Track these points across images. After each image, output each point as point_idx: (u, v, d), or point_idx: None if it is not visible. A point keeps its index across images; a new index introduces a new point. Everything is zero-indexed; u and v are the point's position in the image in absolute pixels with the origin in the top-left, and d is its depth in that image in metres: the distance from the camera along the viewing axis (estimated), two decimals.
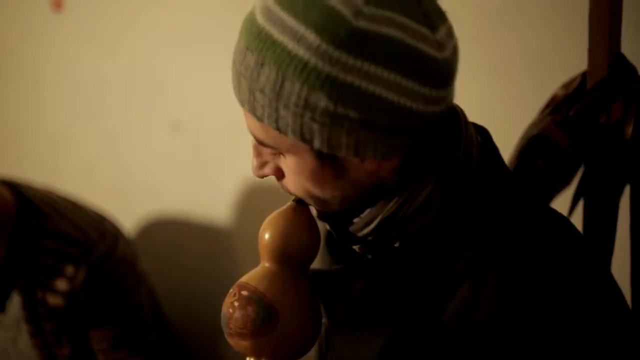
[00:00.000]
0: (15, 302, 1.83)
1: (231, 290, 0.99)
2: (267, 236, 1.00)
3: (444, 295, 0.95)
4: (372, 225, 0.96)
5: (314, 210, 1.02)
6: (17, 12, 2.47)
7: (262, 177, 0.99)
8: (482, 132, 1.02)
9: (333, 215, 1.00)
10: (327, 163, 0.92)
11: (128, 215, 2.30)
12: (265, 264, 1.00)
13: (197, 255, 2.28)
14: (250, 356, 1.00)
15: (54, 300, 1.78)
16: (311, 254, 1.01)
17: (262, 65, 0.87)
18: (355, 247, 1.01)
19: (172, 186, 2.27)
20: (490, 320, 0.91)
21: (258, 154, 0.98)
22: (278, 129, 0.89)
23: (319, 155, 0.91)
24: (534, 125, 1.24)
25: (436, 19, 0.89)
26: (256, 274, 0.99)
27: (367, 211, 0.98)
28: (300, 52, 0.85)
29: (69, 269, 1.75)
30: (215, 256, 2.25)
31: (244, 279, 0.99)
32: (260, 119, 0.90)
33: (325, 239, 1.10)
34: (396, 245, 0.97)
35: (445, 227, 0.96)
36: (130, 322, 1.85)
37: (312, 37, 0.85)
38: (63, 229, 1.78)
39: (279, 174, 0.97)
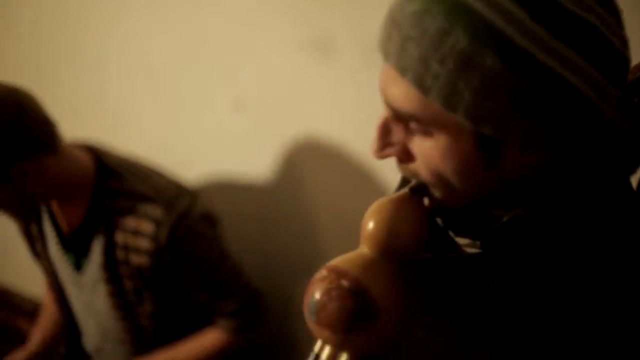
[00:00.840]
0: (93, 263, 1.86)
1: (325, 273, 0.90)
2: (374, 223, 0.90)
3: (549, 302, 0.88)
4: (503, 220, 0.89)
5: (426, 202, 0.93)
6: None
7: (383, 158, 0.90)
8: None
9: (450, 211, 0.93)
10: (485, 150, 0.84)
11: None
12: (366, 251, 0.90)
13: (257, 239, 2.31)
14: (332, 346, 0.91)
15: (138, 259, 1.80)
16: (418, 249, 0.91)
17: (448, 32, 0.78)
18: (462, 241, 0.95)
19: (233, 164, 2.29)
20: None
21: (385, 133, 0.89)
22: (446, 105, 0.80)
23: (480, 139, 0.83)
24: None
25: (620, 15, 0.84)
26: (355, 260, 0.90)
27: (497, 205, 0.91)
28: (499, 22, 0.77)
29: (149, 228, 1.77)
30: (279, 237, 2.27)
31: (342, 264, 0.90)
32: (425, 91, 0.81)
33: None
34: (513, 243, 0.90)
35: (563, 241, 0.89)
36: (221, 272, 1.88)
37: (513, 8, 0.77)
38: (139, 188, 1.81)
39: (405, 157, 0.89)
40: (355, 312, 0.86)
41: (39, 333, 2.16)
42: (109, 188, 1.81)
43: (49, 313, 2.19)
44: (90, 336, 2.03)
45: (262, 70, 2.10)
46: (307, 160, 2.12)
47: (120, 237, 1.81)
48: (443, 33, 0.78)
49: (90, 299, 1.93)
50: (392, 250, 0.90)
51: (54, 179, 1.72)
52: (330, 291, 0.87)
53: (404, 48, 0.81)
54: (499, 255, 0.92)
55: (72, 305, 2.03)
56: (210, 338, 1.92)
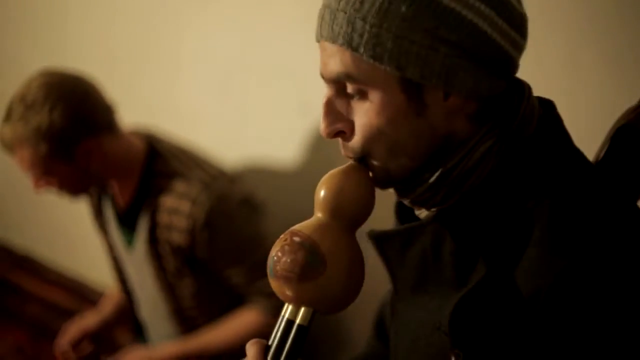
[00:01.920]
0: (140, 241, 1.97)
1: (282, 236, 1.02)
2: (324, 190, 1.02)
3: (498, 252, 0.96)
4: (432, 180, 0.99)
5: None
6: None
7: (333, 134, 1.01)
8: (547, 104, 1.04)
9: (393, 180, 1.02)
10: (413, 97, 0.95)
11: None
12: (318, 215, 1.02)
13: None
14: (290, 301, 1.02)
15: (177, 237, 1.89)
16: (364, 214, 1.02)
17: None
18: (415, 209, 1.05)
19: (298, 166, 2.31)
20: (532, 273, 0.93)
21: (330, 110, 1.00)
22: (374, 56, 0.93)
23: (407, 87, 0.95)
24: (623, 117, 1.26)
25: None
26: (309, 223, 1.02)
27: (429, 170, 1.00)
28: None
29: (187, 207, 1.86)
30: None
31: (297, 227, 1.02)
32: (356, 49, 0.94)
33: (395, 208, 1.13)
34: (452, 202, 1.00)
35: (498, 184, 0.98)
36: (255, 255, 1.91)
37: None
38: (182, 171, 1.90)
39: (350, 129, 1.00)
40: (305, 262, 0.98)
41: (110, 301, 2.26)
42: (155, 169, 1.92)
43: (113, 299, 2.30)
44: (143, 310, 2.13)
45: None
46: None
47: (162, 216, 1.90)
48: None
49: (141, 275, 2.04)
50: (340, 213, 1.01)
51: (111, 158, 1.88)
52: (284, 247, 1.00)
53: (334, 20, 0.95)
54: (443, 216, 1.01)
55: (127, 279, 2.13)
56: (248, 319, 1.95)
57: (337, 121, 1.00)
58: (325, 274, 0.98)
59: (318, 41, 1.01)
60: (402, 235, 1.06)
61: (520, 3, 0.99)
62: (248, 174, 2.39)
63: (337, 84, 0.99)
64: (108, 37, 2.83)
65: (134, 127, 2.01)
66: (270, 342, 1.02)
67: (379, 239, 1.08)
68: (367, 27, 0.93)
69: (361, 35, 0.93)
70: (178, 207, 1.87)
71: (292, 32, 2.22)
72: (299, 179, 2.32)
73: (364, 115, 0.98)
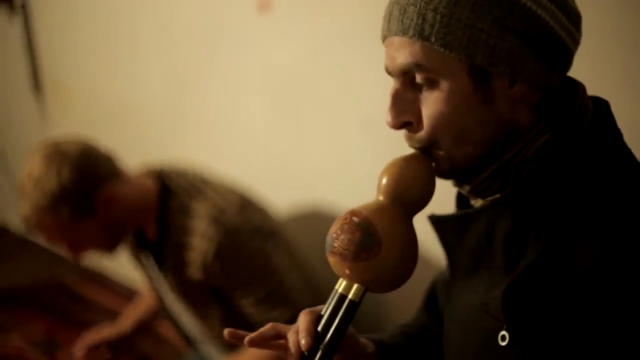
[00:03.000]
0: (166, 273, 2.01)
1: (343, 215, 1.05)
2: (387, 175, 1.06)
3: (547, 238, 1.00)
4: (491, 169, 1.03)
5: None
6: (224, 12, 2.63)
7: (399, 125, 1.05)
8: (602, 103, 1.08)
9: (456, 171, 1.06)
10: (480, 85, 1.00)
11: (313, 208, 2.40)
12: (379, 199, 1.06)
13: None
14: (344, 277, 1.05)
15: (194, 272, 1.92)
16: (423, 201, 1.06)
17: None
18: (471, 198, 1.09)
19: (358, 181, 2.27)
20: (578, 258, 0.96)
21: (397, 101, 1.04)
22: (444, 45, 0.98)
23: (475, 75, 0.99)
24: None
25: None
26: (369, 205, 1.05)
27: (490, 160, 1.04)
28: None
29: (200, 243, 1.89)
30: None
31: (358, 207, 1.05)
32: (427, 39, 0.99)
33: (456, 197, 1.18)
34: (508, 190, 1.03)
35: (552, 175, 1.01)
36: (267, 286, 1.93)
37: None
38: (194, 206, 1.93)
39: (417, 119, 1.04)
40: (360, 242, 1.02)
41: (132, 316, 2.31)
42: (169, 207, 1.96)
43: (144, 301, 2.35)
44: (187, 329, 2.17)
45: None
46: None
47: (180, 253, 1.94)
48: None
49: (177, 303, 2.08)
50: (400, 198, 1.05)
51: (128, 202, 1.93)
52: (343, 225, 1.04)
53: (404, 14, 1.01)
54: (498, 203, 1.05)
55: (168, 304, 2.17)
56: (258, 353, 1.92)
57: (404, 112, 1.04)
58: (380, 256, 1.02)
59: (384, 39, 1.06)
60: (459, 220, 1.10)
61: (574, 1, 1.04)
62: (306, 190, 2.42)
63: (405, 76, 1.03)
64: (170, 55, 2.88)
65: (144, 166, 2.07)
66: (322, 312, 1.07)
67: (439, 223, 1.13)
68: (438, 17, 0.97)
69: (432, 26, 0.98)
70: (191, 243, 1.91)
71: (351, 47, 2.23)
72: (360, 195, 2.31)
73: (433, 104, 1.02)
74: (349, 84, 2.28)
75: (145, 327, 2.34)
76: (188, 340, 2.23)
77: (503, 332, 1.00)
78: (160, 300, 2.19)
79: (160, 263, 2.03)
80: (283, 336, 1.11)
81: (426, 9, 0.99)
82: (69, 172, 1.85)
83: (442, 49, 0.99)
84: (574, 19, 1.03)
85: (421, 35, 0.99)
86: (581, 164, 1.01)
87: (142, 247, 2.08)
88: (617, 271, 0.93)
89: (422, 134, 1.04)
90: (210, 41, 2.72)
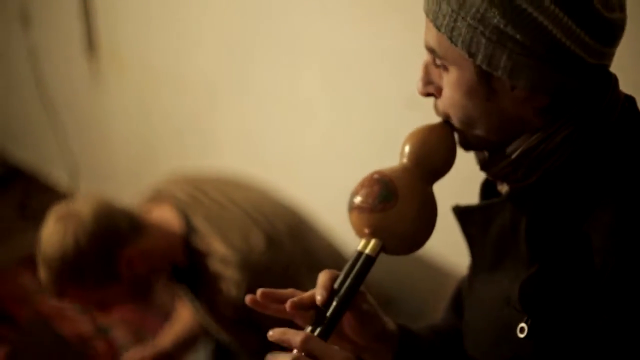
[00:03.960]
0: (204, 306, 1.98)
1: (366, 175, 1.11)
2: (411, 139, 1.13)
3: (570, 231, 1.01)
4: (513, 157, 1.05)
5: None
6: None
7: (425, 94, 1.11)
8: (630, 99, 1.07)
9: (473, 145, 1.11)
10: (483, 81, 1.02)
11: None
12: (403, 161, 1.12)
13: None
14: (363, 233, 1.09)
15: (228, 311, 1.89)
16: (443, 167, 1.12)
17: None
18: (497, 183, 1.12)
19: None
20: (598, 253, 0.97)
21: (426, 73, 1.10)
22: (451, 38, 1.01)
23: (478, 71, 1.01)
24: None
25: None
26: (392, 166, 1.12)
27: (510, 145, 1.06)
28: None
29: (228, 288, 1.86)
30: None
31: (381, 168, 1.12)
32: (438, 28, 1.02)
33: (481, 187, 1.19)
34: (531, 180, 1.05)
35: (576, 167, 1.02)
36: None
37: None
38: (218, 249, 1.88)
39: (439, 93, 1.09)
40: (378, 194, 1.07)
41: (171, 333, 2.26)
42: (195, 249, 1.91)
43: (184, 319, 2.30)
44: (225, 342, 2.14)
45: None
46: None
47: (210, 294, 1.91)
48: None
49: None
50: (421, 161, 1.11)
51: (153, 255, 1.89)
52: (364, 182, 1.10)
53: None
54: (523, 192, 1.07)
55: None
56: None
57: (429, 84, 1.10)
58: (396, 208, 1.06)
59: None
60: (483, 211, 1.13)
61: (610, 8, 0.99)
62: (354, 170, 2.42)
63: (430, 53, 1.08)
64: (222, 33, 2.90)
65: (170, 195, 2.01)
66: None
67: (463, 214, 1.15)
68: (449, 10, 1.00)
69: (444, 16, 1.01)
70: (221, 287, 1.88)
71: (397, 23, 2.23)
72: None
73: (445, 85, 1.07)
74: (395, 63, 2.28)
75: (185, 344, 2.29)
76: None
77: (522, 324, 1.02)
78: (201, 322, 2.18)
79: (196, 292, 2.00)
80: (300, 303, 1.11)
81: (442, 0, 1.01)
82: (88, 239, 1.79)
83: (448, 41, 1.02)
84: (597, 29, 0.98)
85: (435, 22, 1.02)
86: (606, 156, 1.02)
87: (178, 281, 2.05)
88: (636, 267, 0.94)
89: (439, 106, 1.10)
90: (263, 20, 2.73)
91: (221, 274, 1.87)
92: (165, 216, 1.95)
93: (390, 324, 1.21)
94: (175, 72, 3.24)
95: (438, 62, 1.06)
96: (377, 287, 2.03)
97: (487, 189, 1.18)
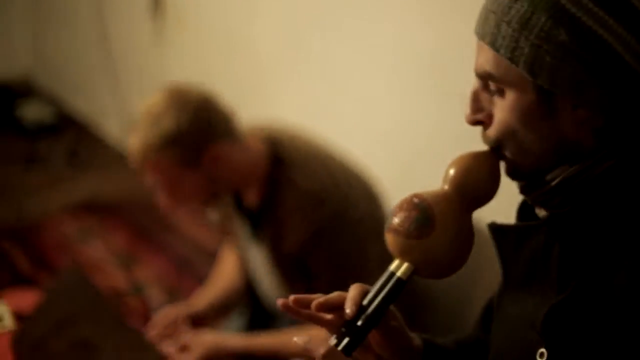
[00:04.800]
0: (261, 244, 2.00)
1: (406, 196, 1.09)
2: (454, 166, 1.10)
3: (601, 262, 0.99)
4: (553, 184, 1.04)
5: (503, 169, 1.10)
6: None
7: (473, 122, 1.08)
8: None
9: (522, 174, 1.08)
10: (543, 101, 1.00)
11: (415, 177, 2.39)
12: (444, 187, 1.09)
13: None
14: (397, 255, 1.08)
15: (288, 245, 1.91)
16: (485, 197, 1.09)
17: (515, 0, 0.99)
18: (536, 207, 1.10)
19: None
20: (626, 287, 0.96)
21: (475, 100, 1.07)
22: (512, 58, 0.99)
23: (539, 91, 0.99)
24: None
25: None
26: (432, 191, 1.09)
27: (551, 172, 1.04)
28: None
29: (301, 220, 1.87)
30: None
31: (421, 191, 1.09)
32: (497, 49, 1.00)
33: (519, 206, 1.17)
34: (568, 207, 1.03)
35: (615, 199, 1.01)
36: (352, 278, 1.89)
37: None
38: (301, 183, 1.90)
39: (489, 120, 1.06)
40: (415, 220, 1.05)
41: (206, 296, 2.25)
42: (279, 178, 1.92)
43: (220, 281, 2.30)
44: (268, 298, 2.16)
45: None
46: None
47: (279, 225, 1.92)
48: (513, 1, 0.99)
49: (263, 270, 2.06)
50: (463, 189, 1.08)
51: (235, 166, 1.90)
52: (403, 204, 1.08)
53: (486, 20, 1.02)
54: (558, 219, 1.05)
55: (252, 272, 2.17)
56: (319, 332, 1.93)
57: (479, 111, 1.07)
58: (431, 236, 1.05)
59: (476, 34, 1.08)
60: (518, 232, 1.12)
61: None
62: (414, 169, 2.41)
63: (483, 78, 1.05)
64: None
65: (258, 128, 2.03)
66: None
67: (497, 232, 1.14)
68: (510, 31, 0.99)
69: (504, 38, 1.00)
70: (293, 218, 1.89)
71: (453, 22, 2.20)
72: None
73: (500, 111, 1.04)
74: (462, 58, 2.25)
75: (220, 308, 2.28)
76: (263, 310, 2.23)
77: (542, 349, 1.02)
78: (244, 266, 2.19)
79: (256, 230, 2.02)
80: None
81: (502, 20, 1.00)
82: (187, 118, 1.84)
83: (509, 62, 1.00)
84: None
85: (494, 45, 1.01)
86: None
87: (240, 211, 2.06)
88: None
89: (490, 134, 1.07)
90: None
91: (298, 207, 1.89)
92: (255, 141, 1.98)
93: (416, 339, 1.23)
94: (235, 36, 3.25)
95: (493, 87, 1.04)
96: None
97: (524, 209, 1.17)
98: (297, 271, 1.96)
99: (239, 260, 2.24)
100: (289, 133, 2.04)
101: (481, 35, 1.04)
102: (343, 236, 1.90)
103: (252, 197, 1.98)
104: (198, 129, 1.85)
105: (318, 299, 1.12)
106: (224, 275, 2.31)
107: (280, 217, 1.92)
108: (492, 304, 1.32)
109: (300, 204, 1.89)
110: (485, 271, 1.89)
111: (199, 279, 2.39)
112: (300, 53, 2.90)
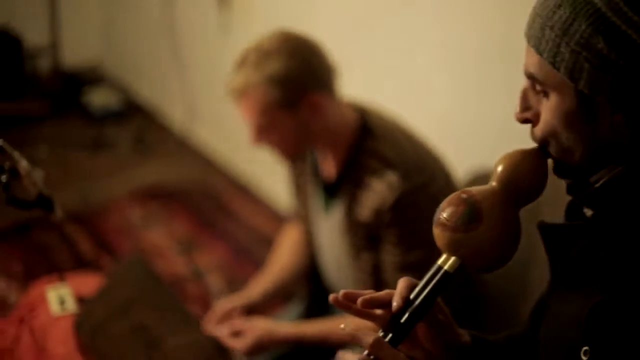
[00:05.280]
0: (336, 210, 2.01)
1: (455, 192, 1.13)
2: (503, 162, 1.12)
3: None
4: (598, 185, 1.06)
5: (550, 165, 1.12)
6: None
7: (522, 120, 1.11)
8: None
9: (567, 171, 1.10)
10: (583, 106, 1.02)
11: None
12: (492, 184, 1.12)
13: None
14: (445, 249, 1.11)
15: (365, 213, 1.91)
16: (532, 194, 1.12)
17: (559, 6, 1.01)
18: (584, 207, 1.12)
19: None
20: None
21: (524, 99, 1.10)
22: (553, 64, 1.02)
23: (579, 95, 1.02)
24: None
25: None
26: (481, 187, 1.12)
27: (596, 174, 1.07)
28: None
29: (382, 189, 1.87)
30: None
31: (470, 187, 1.13)
32: (540, 54, 1.03)
33: (567, 205, 1.18)
34: (614, 208, 1.05)
35: None
36: (422, 253, 1.89)
37: None
38: (388, 154, 1.91)
39: (536, 119, 1.09)
40: (463, 214, 1.08)
41: (262, 284, 2.26)
42: (365, 147, 1.93)
43: (275, 269, 2.31)
44: (329, 270, 2.17)
45: None
46: None
47: (359, 192, 1.92)
48: (557, 7, 1.01)
49: (331, 238, 2.07)
50: (510, 186, 1.11)
51: (329, 121, 1.92)
52: (451, 200, 1.11)
53: (533, 23, 1.05)
54: (603, 219, 1.07)
55: (317, 240, 2.17)
56: None
57: (527, 110, 1.10)
58: (478, 230, 1.08)
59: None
60: (565, 231, 1.13)
61: None
62: (466, 155, 2.40)
63: (530, 79, 1.08)
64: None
65: (349, 99, 2.05)
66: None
67: (546, 230, 1.15)
68: (552, 35, 1.01)
69: (547, 42, 1.02)
70: (375, 187, 1.89)
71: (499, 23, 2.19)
72: None
73: (545, 112, 1.07)
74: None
75: (276, 296, 2.30)
76: (323, 294, 2.22)
77: (586, 347, 1.04)
78: (309, 241, 2.21)
79: (330, 200, 2.04)
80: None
81: (546, 25, 1.02)
82: (296, 61, 1.87)
83: (551, 67, 1.02)
84: None
85: (538, 48, 1.03)
86: None
87: (316, 180, 2.09)
88: None
89: (536, 133, 1.09)
90: None
91: (380, 174, 1.90)
92: (348, 107, 2.01)
93: (465, 335, 1.24)
94: (300, 24, 3.24)
95: (538, 87, 1.06)
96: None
97: (573, 209, 1.18)
98: (367, 243, 1.96)
99: (303, 237, 2.25)
100: (375, 108, 2.06)
101: (528, 37, 1.06)
102: (420, 210, 1.89)
103: (331, 165, 2.00)
104: (303, 74, 1.88)
105: (364, 295, 1.13)
106: (280, 262, 2.33)
107: (361, 184, 1.93)
108: (543, 300, 1.32)
109: (383, 173, 1.89)
110: (540, 268, 1.88)
111: (258, 266, 2.40)
112: (362, 42, 2.90)
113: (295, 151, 2.04)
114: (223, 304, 2.18)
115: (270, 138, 1.96)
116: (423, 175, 1.91)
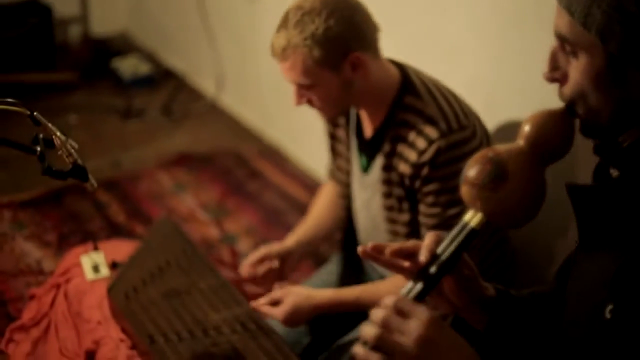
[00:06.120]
0: (376, 166, 2.02)
1: (483, 151, 1.16)
2: (530, 122, 1.15)
3: None
4: (623, 146, 1.09)
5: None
6: None
7: (551, 80, 1.13)
8: None
9: (594, 132, 1.13)
10: (613, 68, 1.04)
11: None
12: (519, 142, 1.15)
13: None
14: (471, 206, 1.15)
15: (403, 167, 1.93)
16: (559, 153, 1.15)
17: None
18: (610, 168, 1.14)
19: None
20: None
21: (553, 59, 1.12)
22: (584, 24, 1.03)
23: (609, 57, 1.04)
24: None
25: None
26: (508, 145, 1.15)
27: (623, 134, 1.10)
28: None
29: (422, 144, 1.89)
30: None
31: (497, 146, 1.15)
32: (572, 14, 1.04)
33: (595, 167, 1.20)
34: (637, 169, 1.08)
35: None
36: (459, 209, 1.88)
37: None
38: (428, 110, 1.92)
39: (564, 79, 1.11)
40: (489, 173, 1.11)
41: (296, 235, 2.30)
42: (405, 103, 1.95)
43: (310, 222, 2.35)
44: (363, 231, 2.19)
45: None
46: None
47: (399, 147, 1.94)
48: None
49: (368, 198, 2.09)
50: (536, 144, 1.13)
51: (371, 79, 1.93)
52: (478, 158, 1.15)
53: None
54: (629, 180, 1.09)
55: (354, 201, 2.19)
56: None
57: (555, 70, 1.12)
58: (505, 188, 1.11)
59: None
60: (593, 191, 1.15)
61: None
62: (498, 119, 2.39)
63: (560, 39, 1.09)
64: None
65: (391, 58, 2.04)
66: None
67: (574, 191, 1.16)
68: None
69: (578, 3, 1.03)
70: (415, 142, 1.91)
71: None
72: None
73: (574, 71, 1.08)
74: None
75: (308, 246, 2.32)
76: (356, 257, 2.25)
77: (611, 306, 1.05)
78: (345, 194, 2.22)
79: (370, 154, 2.05)
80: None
81: None
82: (337, 20, 1.86)
83: (582, 27, 1.04)
84: None
85: (569, 9, 1.05)
86: None
87: (358, 133, 2.09)
88: None
89: (564, 92, 1.11)
90: None
91: (421, 129, 1.91)
92: (390, 65, 2.02)
93: (490, 289, 1.27)
94: None
95: (567, 48, 1.08)
96: None
97: (600, 170, 1.19)
98: (404, 200, 1.98)
99: (338, 197, 2.27)
100: (415, 67, 2.06)
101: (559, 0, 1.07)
102: (459, 166, 1.88)
103: (372, 123, 2.02)
104: (346, 33, 1.88)
105: (392, 247, 1.17)
106: (315, 216, 2.36)
107: (401, 139, 1.95)
108: (570, 260, 1.33)
109: (424, 129, 1.91)
110: (570, 229, 1.88)
111: (288, 230, 2.42)
112: (394, 3, 2.88)
113: (338, 110, 2.06)
114: (257, 252, 2.21)
115: (313, 98, 1.97)
116: (463, 132, 1.92)
